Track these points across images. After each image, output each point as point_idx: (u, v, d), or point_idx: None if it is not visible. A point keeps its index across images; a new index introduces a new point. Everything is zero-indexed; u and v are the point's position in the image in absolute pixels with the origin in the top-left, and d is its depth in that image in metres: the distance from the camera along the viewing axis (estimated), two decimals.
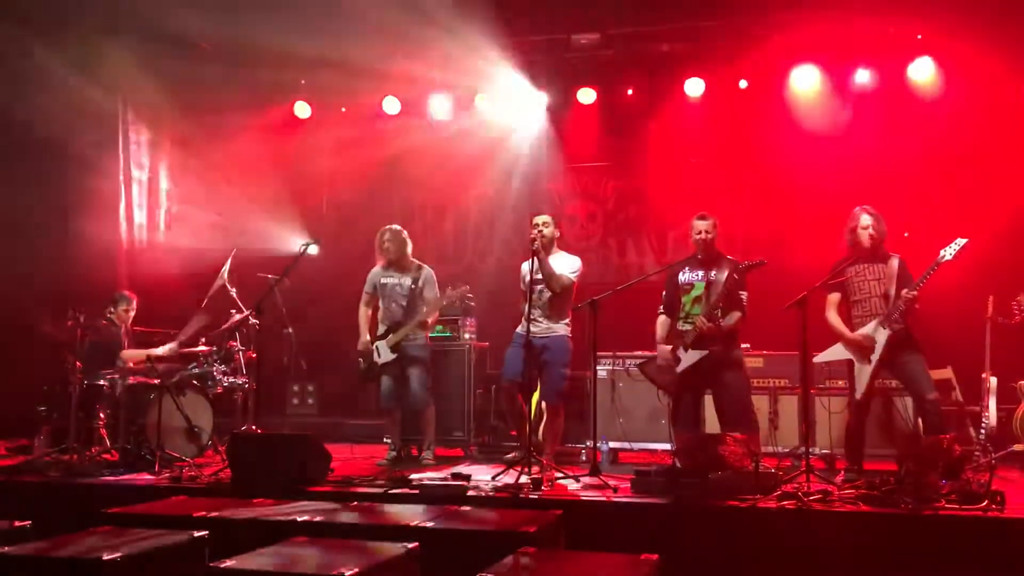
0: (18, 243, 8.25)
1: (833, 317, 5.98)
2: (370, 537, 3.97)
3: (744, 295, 5.98)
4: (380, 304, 7.04)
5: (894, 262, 5.83)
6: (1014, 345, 6.61)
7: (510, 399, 6.65)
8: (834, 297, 6.01)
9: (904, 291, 5.62)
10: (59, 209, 8.48)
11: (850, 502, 4.81)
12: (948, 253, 5.54)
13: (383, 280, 7.03)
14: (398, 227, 7.12)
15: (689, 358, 5.96)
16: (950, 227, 5.86)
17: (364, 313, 7.09)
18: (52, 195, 8.48)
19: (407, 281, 6.95)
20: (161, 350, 7.21)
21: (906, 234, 7.86)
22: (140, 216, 9.57)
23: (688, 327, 6.01)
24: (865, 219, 5.87)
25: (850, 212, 6.03)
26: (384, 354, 6.87)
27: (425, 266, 7.08)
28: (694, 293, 6.07)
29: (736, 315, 5.95)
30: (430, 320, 6.94)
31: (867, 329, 5.78)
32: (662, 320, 6.31)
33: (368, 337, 6.98)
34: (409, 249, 7.05)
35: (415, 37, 8.81)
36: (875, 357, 5.71)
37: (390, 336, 6.87)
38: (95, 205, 8.76)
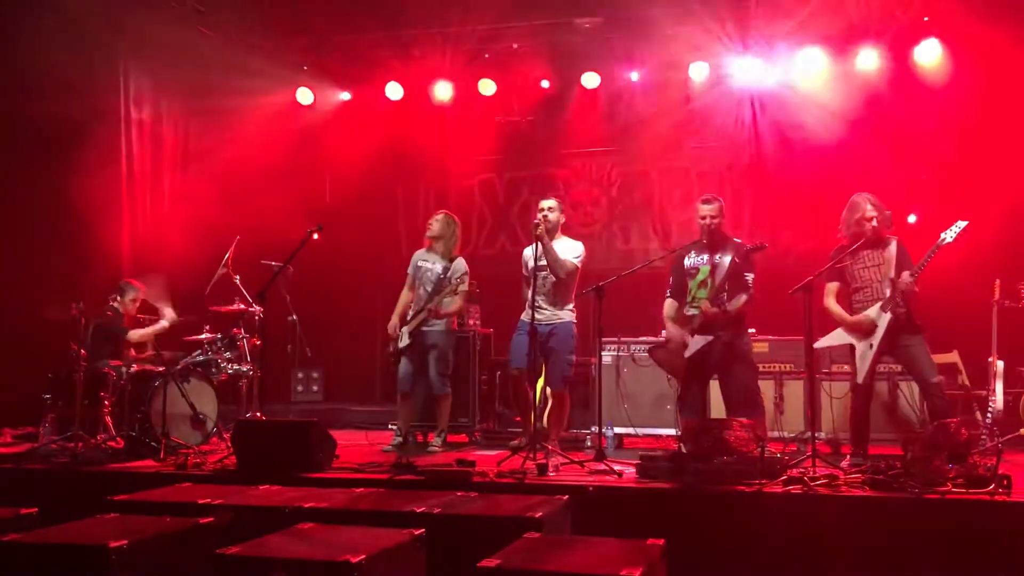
0: (20, 230, 8.24)
1: (832, 304, 5.95)
2: (376, 523, 3.97)
3: (751, 277, 5.95)
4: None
5: (892, 246, 5.79)
6: (1021, 329, 6.58)
7: (518, 387, 6.64)
8: (833, 285, 5.97)
9: (904, 275, 5.59)
10: (61, 194, 8.45)
11: (856, 486, 4.80)
12: (948, 236, 5.51)
13: (419, 263, 7.02)
14: (452, 216, 7.12)
15: (695, 344, 5.95)
16: (957, 210, 5.82)
17: (404, 296, 7.06)
18: (53, 180, 8.45)
19: (439, 267, 6.92)
20: (163, 324, 7.30)
21: (912, 218, 7.84)
22: (142, 204, 9.55)
23: (694, 312, 6.00)
24: (870, 209, 5.82)
25: (849, 199, 6.00)
26: (403, 339, 6.88)
27: (460, 259, 7.01)
28: (700, 277, 6.05)
29: (743, 297, 5.92)
30: (450, 309, 6.88)
31: (869, 313, 5.75)
32: (669, 303, 6.28)
33: (395, 321, 6.98)
34: (453, 237, 7.00)
35: (417, 21, 8.78)
36: (876, 341, 5.68)
37: (411, 321, 6.88)
38: (97, 191, 8.73)
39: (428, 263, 6.98)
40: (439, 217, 7.06)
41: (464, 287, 6.86)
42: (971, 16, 7.92)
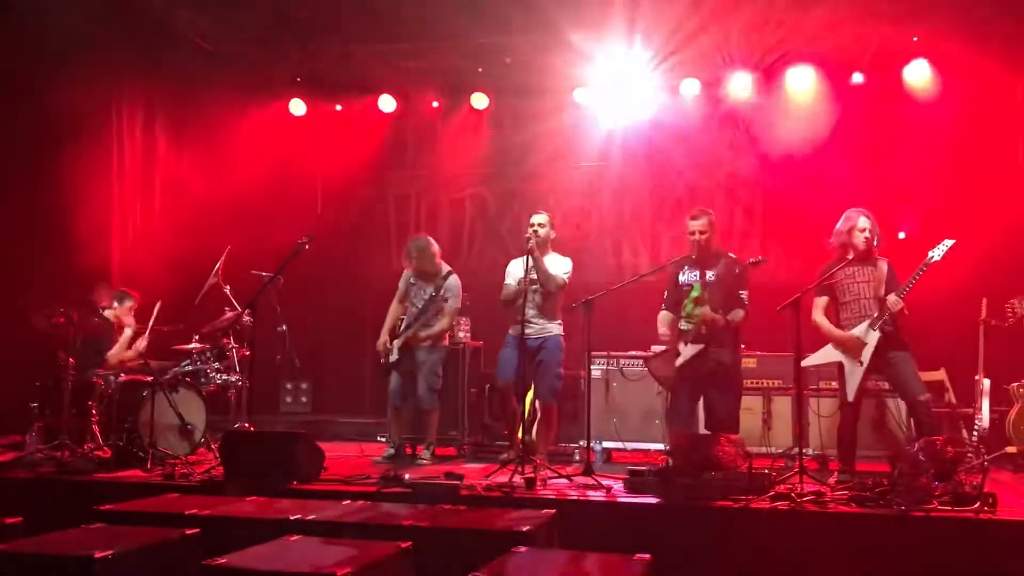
0: (6, 237, 8.21)
1: (820, 319, 5.97)
2: (363, 536, 3.97)
3: (745, 294, 5.96)
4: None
5: (883, 265, 5.83)
6: (1007, 347, 6.63)
7: (505, 400, 6.65)
8: (821, 300, 5.99)
9: (890, 297, 5.62)
10: (49, 203, 8.43)
11: (843, 503, 4.83)
12: (936, 254, 5.56)
13: (412, 280, 7.10)
14: (425, 240, 7.13)
15: (687, 352, 5.96)
16: (945, 229, 5.87)
17: (394, 310, 7.14)
18: (42, 189, 8.43)
19: (429, 288, 6.98)
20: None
21: (901, 235, 7.89)
22: (132, 213, 9.54)
23: (689, 327, 5.98)
24: (863, 221, 5.86)
25: (843, 213, 6.04)
26: (394, 353, 6.92)
27: (453, 274, 7.05)
28: (693, 295, 6.04)
29: (740, 312, 5.93)
30: (434, 331, 6.91)
31: (858, 331, 5.77)
32: (664, 314, 6.26)
33: (385, 336, 7.02)
34: (434, 258, 7.04)
35: (412, 34, 8.81)
36: (865, 359, 5.71)
37: (400, 337, 6.91)
38: (87, 200, 8.71)
39: (417, 285, 7.03)
40: (416, 253, 7.01)
41: (453, 305, 6.89)
42: (960, 36, 8.00)
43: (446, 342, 7.14)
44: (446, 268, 7.10)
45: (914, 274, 5.60)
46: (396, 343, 6.92)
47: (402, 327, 7.00)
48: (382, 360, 7.00)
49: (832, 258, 6.01)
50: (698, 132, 9.26)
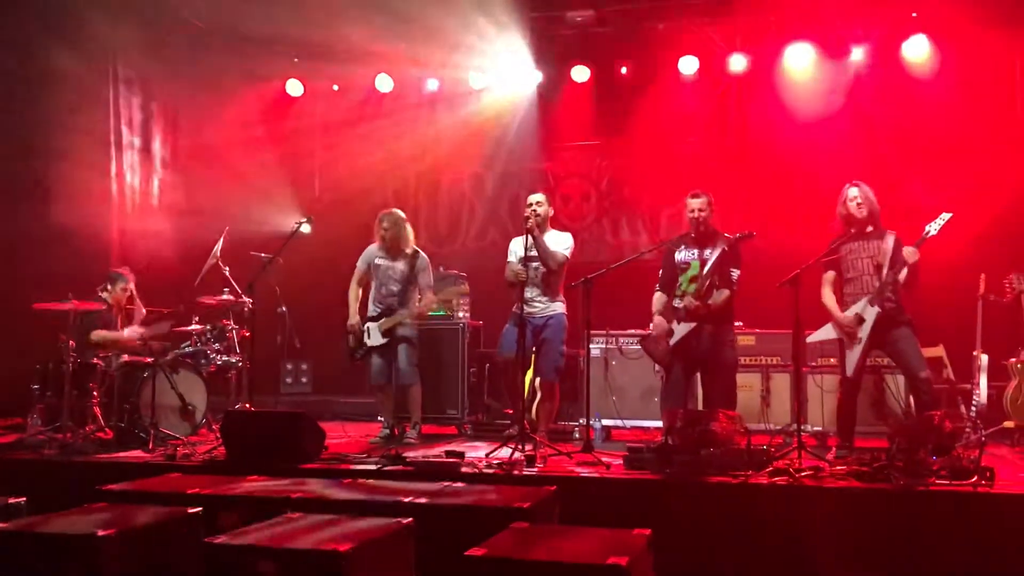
0: (5, 217, 8.20)
1: (827, 296, 5.96)
2: (364, 513, 3.99)
3: (736, 273, 5.97)
4: (373, 284, 7.01)
5: (889, 239, 5.81)
6: (1005, 323, 6.64)
7: (506, 375, 6.66)
8: (829, 275, 5.99)
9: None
10: (48, 184, 8.42)
11: (841, 478, 4.84)
12: (933, 228, 5.57)
13: (377, 261, 6.97)
14: (399, 213, 7.01)
15: (680, 331, 5.97)
16: (944, 205, 5.86)
17: (354, 291, 7.03)
18: (39, 168, 8.41)
19: (400, 265, 6.89)
20: (127, 332, 7.19)
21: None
22: (131, 194, 9.53)
23: (683, 305, 6.00)
24: (853, 191, 5.87)
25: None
26: (375, 337, 6.84)
27: (421, 253, 6.98)
28: (690, 273, 6.05)
29: (725, 293, 5.94)
30: (427, 308, 6.88)
31: (858, 307, 5.77)
32: (657, 296, 6.29)
33: (357, 317, 6.95)
34: (408, 234, 6.95)
35: (408, 13, 8.77)
36: (864, 335, 5.72)
37: (383, 320, 6.85)
38: (86, 180, 8.70)
39: (387, 262, 6.93)
40: (387, 224, 6.88)
41: (429, 280, 6.88)
42: (959, 12, 7.96)
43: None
44: (413, 247, 7.02)
45: (915, 245, 5.59)
46: (376, 327, 6.83)
47: (376, 310, 6.89)
48: (352, 343, 6.90)
49: (838, 233, 6.01)
50: (696, 110, 9.22)
